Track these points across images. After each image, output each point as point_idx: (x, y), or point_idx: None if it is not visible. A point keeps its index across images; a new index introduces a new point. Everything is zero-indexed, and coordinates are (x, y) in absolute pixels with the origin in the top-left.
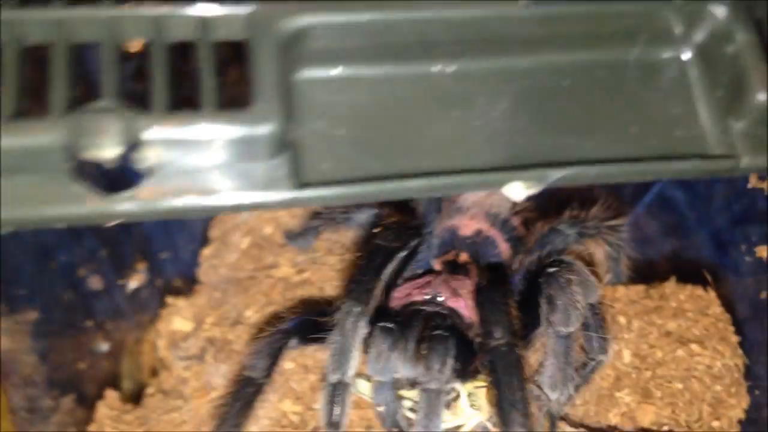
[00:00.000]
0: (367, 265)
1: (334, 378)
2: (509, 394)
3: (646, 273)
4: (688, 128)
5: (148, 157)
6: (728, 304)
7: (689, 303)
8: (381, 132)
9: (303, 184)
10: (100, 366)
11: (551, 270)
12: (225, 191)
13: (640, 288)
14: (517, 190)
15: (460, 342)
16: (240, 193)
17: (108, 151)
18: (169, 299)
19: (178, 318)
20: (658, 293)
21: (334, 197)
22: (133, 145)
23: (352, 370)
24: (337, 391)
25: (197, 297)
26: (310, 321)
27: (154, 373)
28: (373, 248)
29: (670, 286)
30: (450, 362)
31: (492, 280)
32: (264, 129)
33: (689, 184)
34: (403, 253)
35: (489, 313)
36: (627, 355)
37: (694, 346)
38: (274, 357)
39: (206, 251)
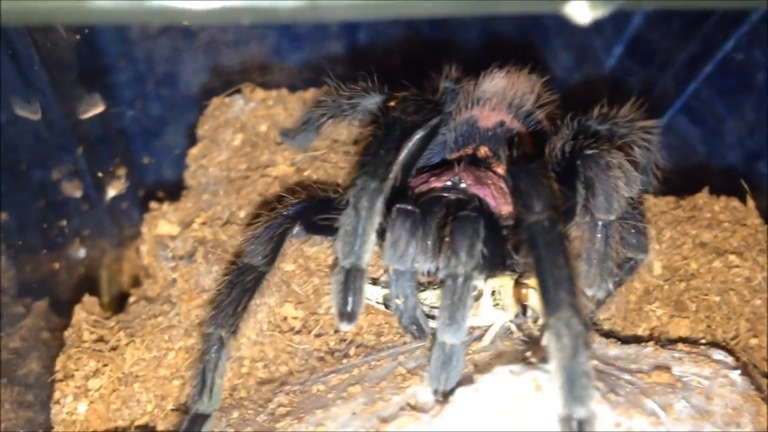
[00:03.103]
0: (383, 138)
1: (347, 263)
2: (554, 273)
3: (676, 185)
4: None
5: None
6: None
7: (725, 214)
8: None
9: None
10: (76, 270)
11: (590, 152)
12: None
13: (670, 199)
14: (582, 11)
15: (488, 228)
16: None
17: None
18: (154, 204)
19: (164, 222)
20: (690, 204)
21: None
22: None
23: (367, 254)
24: (351, 277)
25: (184, 201)
26: (316, 205)
27: (137, 283)
28: (390, 121)
29: (703, 196)
30: (479, 246)
31: (527, 152)
32: None
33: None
34: (422, 132)
35: (527, 184)
36: (657, 267)
37: (732, 257)
38: (276, 244)
39: (194, 151)
